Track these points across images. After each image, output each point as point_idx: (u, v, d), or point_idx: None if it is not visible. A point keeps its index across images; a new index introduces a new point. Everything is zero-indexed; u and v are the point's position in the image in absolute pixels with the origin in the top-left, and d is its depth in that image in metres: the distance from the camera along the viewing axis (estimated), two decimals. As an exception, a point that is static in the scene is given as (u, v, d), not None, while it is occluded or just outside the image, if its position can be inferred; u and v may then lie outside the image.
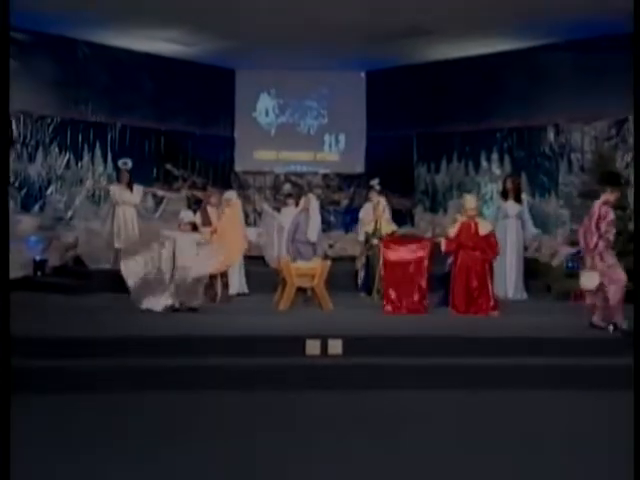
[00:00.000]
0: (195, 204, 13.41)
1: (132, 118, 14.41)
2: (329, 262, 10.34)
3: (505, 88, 14.12)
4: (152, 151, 14.81)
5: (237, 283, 11.29)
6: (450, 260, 10.02)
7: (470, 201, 10.13)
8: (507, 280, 11.36)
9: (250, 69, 15.62)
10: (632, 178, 12.08)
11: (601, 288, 8.08)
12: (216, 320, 8.91)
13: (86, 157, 13.84)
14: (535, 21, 12.09)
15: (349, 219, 15.41)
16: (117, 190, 12.44)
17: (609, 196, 8.26)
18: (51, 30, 12.92)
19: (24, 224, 12.68)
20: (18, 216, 12.65)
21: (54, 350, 7.31)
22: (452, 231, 9.97)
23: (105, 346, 7.45)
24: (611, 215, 8.12)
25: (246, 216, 12.70)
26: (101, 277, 11.77)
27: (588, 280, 8.12)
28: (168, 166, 15.06)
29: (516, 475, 4.86)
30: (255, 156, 16.23)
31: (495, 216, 11.73)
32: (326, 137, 16.40)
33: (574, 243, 11.82)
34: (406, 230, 14.28)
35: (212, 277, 10.13)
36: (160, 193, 13.73)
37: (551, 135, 13.68)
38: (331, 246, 13.80)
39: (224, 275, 10.58)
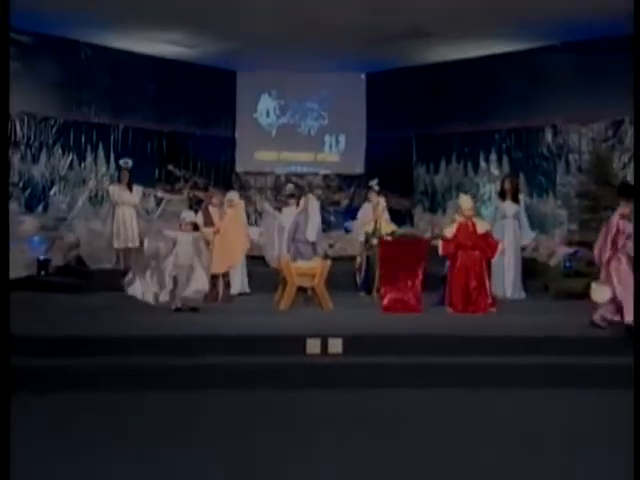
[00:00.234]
0: (196, 204, 13.53)
1: (134, 119, 14.50)
2: (329, 262, 10.39)
3: (503, 90, 14.17)
4: (154, 152, 14.89)
5: (239, 283, 11.33)
6: (448, 261, 10.10)
7: (466, 201, 10.20)
8: (505, 280, 11.38)
9: (251, 70, 15.70)
10: (629, 178, 12.26)
11: (614, 302, 7.95)
12: (217, 319, 8.94)
13: (89, 158, 13.92)
14: (533, 23, 12.14)
15: (349, 219, 15.49)
16: (117, 190, 12.52)
17: (625, 209, 8.08)
18: (54, 32, 13.00)
19: (28, 224, 12.72)
20: (22, 216, 12.71)
21: (56, 349, 7.36)
22: (449, 232, 10.02)
23: (107, 345, 7.50)
24: (629, 228, 7.91)
25: (247, 216, 12.75)
26: (103, 277, 11.80)
27: (599, 294, 7.98)
28: (170, 167, 15.14)
29: (516, 474, 4.88)
30: (256, 157, 16.31)
31: (493, 216, 11.77)
32: (326, 138, 16.49)
33: (571, 243, 11.99)
34: (405, 230, 14.33)
35: (214, 277, 10.17)
36: (159, 194, 13.83)
37: (549, 136, 13.74)
38: (331, 246, 13.84)
39: (226, 275, 10.63)
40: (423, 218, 15.45)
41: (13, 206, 12.73)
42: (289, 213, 11.97)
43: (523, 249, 12.17)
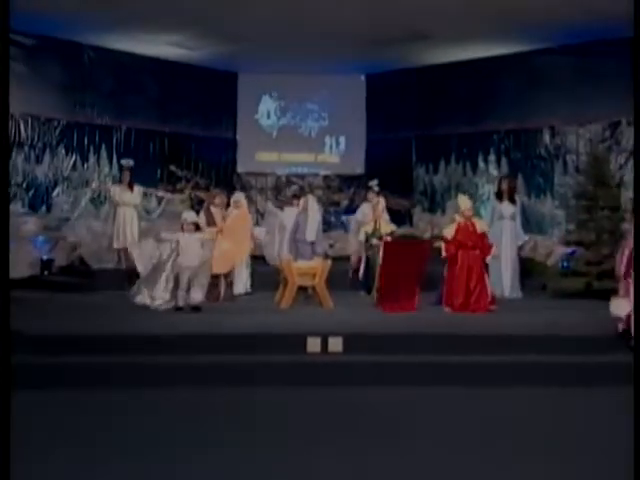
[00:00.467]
0: (198, 204, 13.62)
1: (137, 120, 14.57)
2: (329, 261, 10.48)
3: (502, 91, 14.24)
4: (156, 153, 14.95)
5: (244, 282, 11.41)
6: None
7: (465, 201, 10.26)
8: (503, 279, 11.44)
9: (252, 72, 15.77)
10: (626, 179, 12.39)
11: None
12: (219, 318, 8.94)
13: (92, 159, 13.98)
14: (531, 26, 12.21)
15: (344, 222, 15.58)
16: (118, 190, 12.59)
17: None
18: (58, 35, 13.08)
19: (31, 224, 12.79)
20: (25, 217, 12.80)
21: (57, 347, 7.40)
22: (449, 232, 10.06)
23: (109, 344, 7.54)
24: None
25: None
26: (105, 276, 11.94)
27: (618, 307, 7.81)
28: (172, 167, 15.19)
29: (516, 472, 4.87)
30: (257, 158, 16.38)
31: (490, 217, 11.82)
32: (327, 139, 16.57)
33: (569, 243, 12.09)
34: (405, 230, 14.43)
35: (216, 277, 10.25)
36: (160, 194, 13.92)
37: (547, 137, 13.81)
38: (331, 246, 13.90)
39: (228, 275, 10.69)
40: (422, 218, 15.49)
41: (17, 206, 12.86)
42: (291, 213, 11.99)
43: (521, 249, 12.26)
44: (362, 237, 11.47)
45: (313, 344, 7.53)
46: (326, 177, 16.65)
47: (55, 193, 13.49)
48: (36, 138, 13.24)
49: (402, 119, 15.71)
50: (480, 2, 11.11)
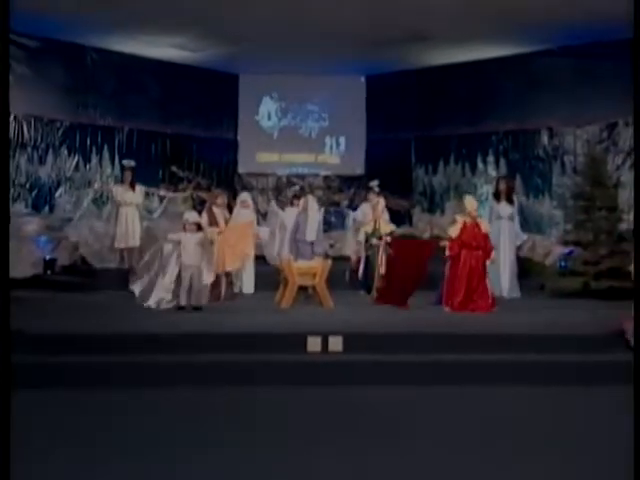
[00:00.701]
0: (199, 205, 13.71)
1: (139, 122, 14.63)
2: (330, 261, 10.54)
3: (501, 93, 14.29)
4: (158, 153, 15.01)
5: (249, 282, 11.50)
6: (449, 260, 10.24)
7: (471, 202, 10.27)
8: (502, 279, 11.47)
9: (253, 74, 15.83)
10: (623, 180, 12.48)
11: None
12: (219, 318, 8.97)
13: (94, 160, 14.04)
14: (530, 28, 12.26)
15: (344, 215, 15.65)
16: (120, 190, 12.66)
17: None
18: (61, 37, 13.15)
19: (34, 224, 12.87)
20: (28, 217, 12.88)
21: (59, 347, 7.40)
22: (454, 232, 10.07)
23: (110, 343, 7.53)
24: None
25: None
26: (108, 276, 12.00)
27: None
28: (173, 168, 15.23)
29: (516, 471, 4.86)
30: (258, 158, 16.44)
31: (489, 217, 11.82)
32: (327, 140, 16.63)
33: (567, 243, 12.18)
34: (404, 230, 14.49)
35: (217, 276, 10.24)
36: (162, 193, 14.00)
37: (545, 138, 13.85)
38: (332, 246, 13.97)
39: (229, 274, 10.72)
40: (422, 218, 15.53)
41: (20, 207, 12.96)
42: (292, 213, 12.07)
43: (519, 249, 12.32)
44: (362, 237, 11.54)
45: (313, 343, 7.54)
46: (326, 177, 16.69)
47: (58, 193, 13.55)
48: (39, 139, 13.31)
49: (402, 120, 15.76)
50: (480, 3, 11.15)
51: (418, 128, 15.64)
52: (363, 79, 16.41)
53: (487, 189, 14.16)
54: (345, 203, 16.53)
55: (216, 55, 14.39)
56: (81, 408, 6.26)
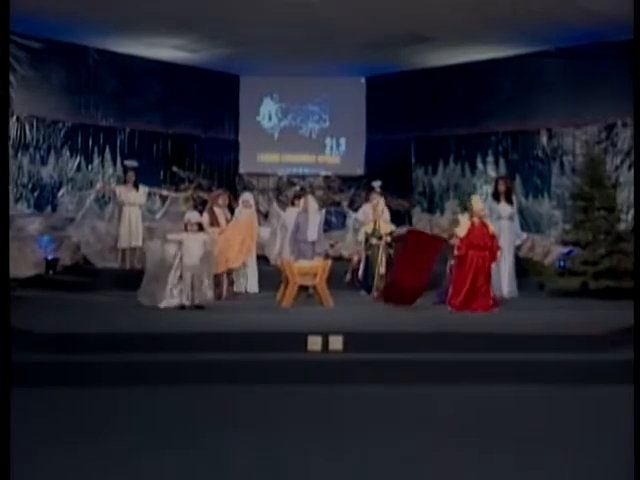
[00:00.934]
0: (201, 205, 13.76)
1: (140, 122, 14.72)
2: (330, 261, 10.60)
3: (500, 93, 14.37)
4: (159, 154, 15.11)
5: (253, 282, 11.56)
6: (452, 260, 10.25)
7: (478, 202, 10.30)
8: (501, 279, 11.43)
9: (254, 75, 15.90)
10: (622, 180, 12.56)
11: None
12: (220, 317, 8.99)
13: (96, 160, 14.16)
14: (529, 29, 12.35)
15: (345, 215, 15.69)
16: (123, 191, 12.73)
17: None
18: (63, 38, 13.25)
19: (36, 224, 12.99)
20: (31, 217, 13.00)
21: (61, 346, 7.40)
22: (461, 231, 10.07)
23: (111, 342, 7.48)
24: None
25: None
26: (109, 275, 12.09)
27: None
28: (174, 168, 15.30)
29: (516, 471, 4.81)
30: (258, 159, 16.52)
31: (489, 217, 11.96)
32: (327, 140, 16.71)
33: (566, 243, 12.26)
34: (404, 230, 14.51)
35: (218, 275, 10.34)
36: (164, 193, 14.07)
37: (544, 139, 13.92)
38: (332, 246, 14.02)
39: (230, 273, 10.80)
40: (422, 218, 15.57)
41: (22, 207, 13.06)
42: (293, 213, 12.10)
43: (518, 248, 12.40)
44: (362, 237, 11.62)
45: (314, 343, 7.49)
46: (327, 178, 16.76)
47: (60, 194, 13.63)
48: (41, 140, 13.41)
49: (402, 121, 15.82)
50: (479, 5, 11.23)
51: (418, 129, 15.69)
52: (363, 80, 16.48)
53: (487, 189, 14.17)
54: (345, 203, 16.57)
55: (217, 56, 14.47)
56: (82, 407, 6.26)
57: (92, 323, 8.51)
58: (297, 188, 15.73)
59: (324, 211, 12.68)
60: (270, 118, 16.62)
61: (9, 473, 3.92)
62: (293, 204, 12.74)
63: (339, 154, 16.81)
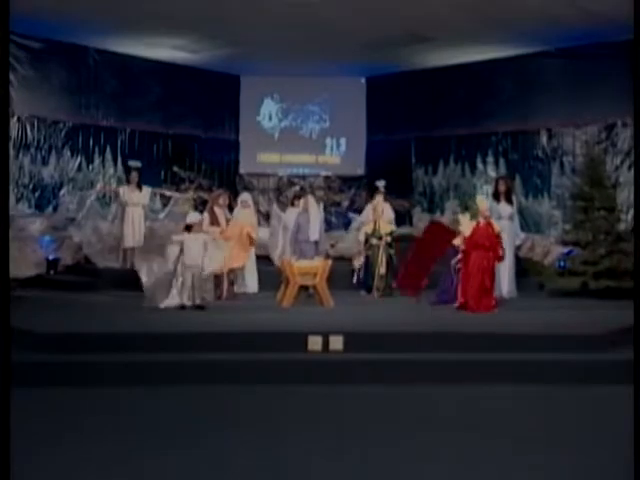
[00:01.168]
0: (201, 205, 13.78)
1: (141, 122, 14.72)
2: (330, 261, 10.60)
3: (500, 94, 14.36)
4: (160, 154, 15.11)
5: (252, 282, 11.55)
6: (456, 260, 10.28)
7: (483, 202, 10.35)
8: (501, 279, 11.37)
9: (254, 75, 15.91)
10: (622, 180, 12.57)
11: None
12: (221, 317, 9.01)
13: (97, 160, 14.14)
14: (529, 29, 12.34)
15: (346, 219, 15.72)
16: (126, 191, 12.75)
17: None
18: (64, 38, 13.25)
19: (37, 225, 12.99)
20: (32, 217, 12.99)
21: (62, 346, 7.45)
22: (466, 230, 10.05)
23: (112, 342, 7.55)
24: None
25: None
26: (110, 275, 12.08)
27: None
28: (175, 168, 15.35)
29: (517, 470, 4.83)
30: (259, 159, 16.53)
31: (488, 217, 11.99)
32: (327, 140, 16.71)
33: (566, 243, 12.27)
34: (408, 231, 14.52)
35: (218, 275, 10.39)
36: (168, 193, 14.09)
37: (544, 139, 13.90)
38: (332, 246, 14.02)
39: (230, 273, 10.79)
40: (422, 218, 15.44)
41: (23, 207, 13.06)
42: (293, 214, 12.03)
43: (519, 248, 12.39)
44: (362, 237, 11.64)
45: (314, 342, 7.54)
46: (327, 178, 16.78)
47: (61, 194, 13.63)
48: (42, 140, 13.41)
49: (402, 121, 15.83)
50: (479, 5, 11.22)
51: (418, 129, 15.69)
52: (363, 80, 16.48)
53: (487, 189, 14.17)
54: (346, 203, 16.60)
55: (217, 56, 14.47)
56: (82, 407, 6.28)
57: (93, 323, 8.55)
58: (296, 188, 15.74)
59: (322, 207, 12.66)
60: (270, 118, 16.64)
61: (9, 473, 3.91)
62: (293, 204, 12.74)
63: (339, 154, 16.81)
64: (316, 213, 11.45)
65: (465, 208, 13.44)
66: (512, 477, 4.79)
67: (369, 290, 11.31)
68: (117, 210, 12.94)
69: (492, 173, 14.53)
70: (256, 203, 15.63)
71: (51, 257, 12.81)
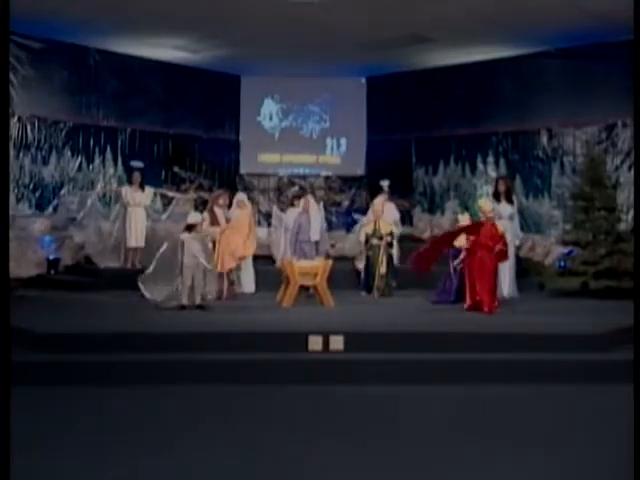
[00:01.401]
0: (202, 205, 13.79)
1: (141, 122, 14.71)
2: (330, 261, 10.61)
3: (500, 94, 14.34)
4: (160, 154, 15.10)
5: (250, 282, 11.56)
6: (458, 261, 10.34)
7: (486, 203, 10.37)
8: (501, 279, 11.33)
9: (255, 75, 15.92)
10: (622, 180, 12.57)
11: None
12: (221, 317, 9.05)
13: (97, 160, 14.12)
14: (529, 30, 12.34)
15: (350, 220, 15.70)
16: (129, 191, 12.77)
17: None
18: (64, 38, 13.24)
19: (38, 224, 12.99)
20: (32, 217, 12.98)
21: (63, 346, 7.48)
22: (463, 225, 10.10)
23: (112, 342, 7.57)
24: None
25: (251, 216, 12.96)
26: (111, 275, 12.10)
27: None
28: (176, 169, 15.34)
29: (517, 470, 4.84)
30: (259, 159, 16.52)
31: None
32: (328, 141, 16.70)
33: (566, 243, 12.27)
34: (404, 230, 14.52)
35: (218, 275, 10.39)
36: (170, 194, 14.10)
37: (544, 139, 13.89)
38: (333, 246, 14.02)
39: (230, 273, 10.82)
40: (422, 218, 15.57)
41: (24, 207, 13.06)
42: (293, 214, 12.09)
43: (518, 248, 12.38)
44: (362, 237, 11.65)
45: (314, 342, 7.57)
46: (327, 178, 16.78)
47: (62, 193, 13.61)
48: (43, 140, 13.39)
49: (402, 121, 15.83)
50: (479, 5, 11.22)
51: (418, 129, 15.68)
52: (364, 80, 16.47)
53: (487, 189, 14.17)
54: (346, 203, 16.61)
55: (218, 57, 14.47)
56: (82, 407, 6.30)
57: (93, 323, 8.56)
58: (296, 188, 15.74)
59: (322, 206, 12.68)
60: (271, 118, 16.63)
61: (9, 473, 3.92)
62: (293, 205, 12.76)
63: (340, 154, 16.80)
64: (316, 213, 11.48)
65: (465, 208, 13.49)
66: (512, 477, 4.79)
67: (369, 290, 11.31)
68: (119, 210, 12.94)
69: (492, 173, 14.51)
70: (256, 203, 15.75)
71: (51, 257, 12.81)
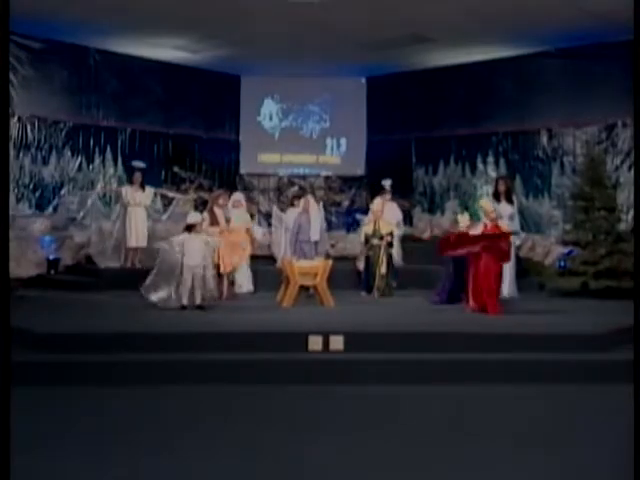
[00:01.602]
0: (202, 205, 13.80)
1: (141, 122, 14.70)
2: (330, 261, 10.60)
3: (500, 94, 14.35)
4: (160, 154, 15.09)
5: (247, 282, 11.47)
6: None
7: (488, 204, 10.37)
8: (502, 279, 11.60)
9: (255, 75, 15.91)
10: (622, 180, 12.58)
11: None
12: (221, 317, 9.05)
13: (97, 160, 14.11)
14: (529, 30, 12.34)
15: (350, 220, 15.72)
16: (129, 191, 12.78)
17: None
18: (65, 39, 13.24)
19: (38, 224, 13.00)
20: (32, 217, 12.99)
21: (62, 345, 7.47)
22: (475, 232, 10.06)
23: (112, 342, 7.56)
24: None
25: (251, 216, 12.96)
26: (111, 275, 12.13)
27: None
28: (176, 169, 15.33)
29: (517, 469, 4.84)
30: (259, 159, 16.51)
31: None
32: (328, 141, 16.69)
33: (566, 243, 12.27)
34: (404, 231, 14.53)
35: (218, 275, 10.40)
36: (171, 194, 14.10)
37: (544, 139, 13.89)
38: (333, 246, 14.05)
39: (229, 273, 10.81)
40: (422, 218, 15.58)
41: (24, 207, 13.06)
42: (293, 214, 12.12)
43: (518, 248, 12.38)
44: (362, 238, 11.64)
45: (314, 342, 7.56)
46: (327, 178, 16.78)
47: (62, 193, 13.62)
48: (43, 140, 13.39)
49: (402, 121, 15.83)
50: (479, 5, 11.22)
51: (418, 129, 15.68)
52: (364, 80, 16.47)
53: (487, 189, 14.18)
54: (346, 203, 16.62)
55: (218, 57, 14.47)
56: (82, 407, 6.30)
57: (93, 323, 8.55)
58: (296, 188, 15.74)
59: (322, 206, 12.68)
60: (271, 118, 16.63)
61: (9, 473, 3.92)
62: (293, 205, 12.76)
63: (340, 154, 16.79)
64: (316, 213, 11.49)
65: (465, 208, 13.50)
66: (512, 477, 4.79)
67: (369, 290, 11.31)
68: (120, 210, 12.94)
69: (492, 173, 14.51)
70: (256, 203, 15.79)
71: (51, 257, 12.83)
